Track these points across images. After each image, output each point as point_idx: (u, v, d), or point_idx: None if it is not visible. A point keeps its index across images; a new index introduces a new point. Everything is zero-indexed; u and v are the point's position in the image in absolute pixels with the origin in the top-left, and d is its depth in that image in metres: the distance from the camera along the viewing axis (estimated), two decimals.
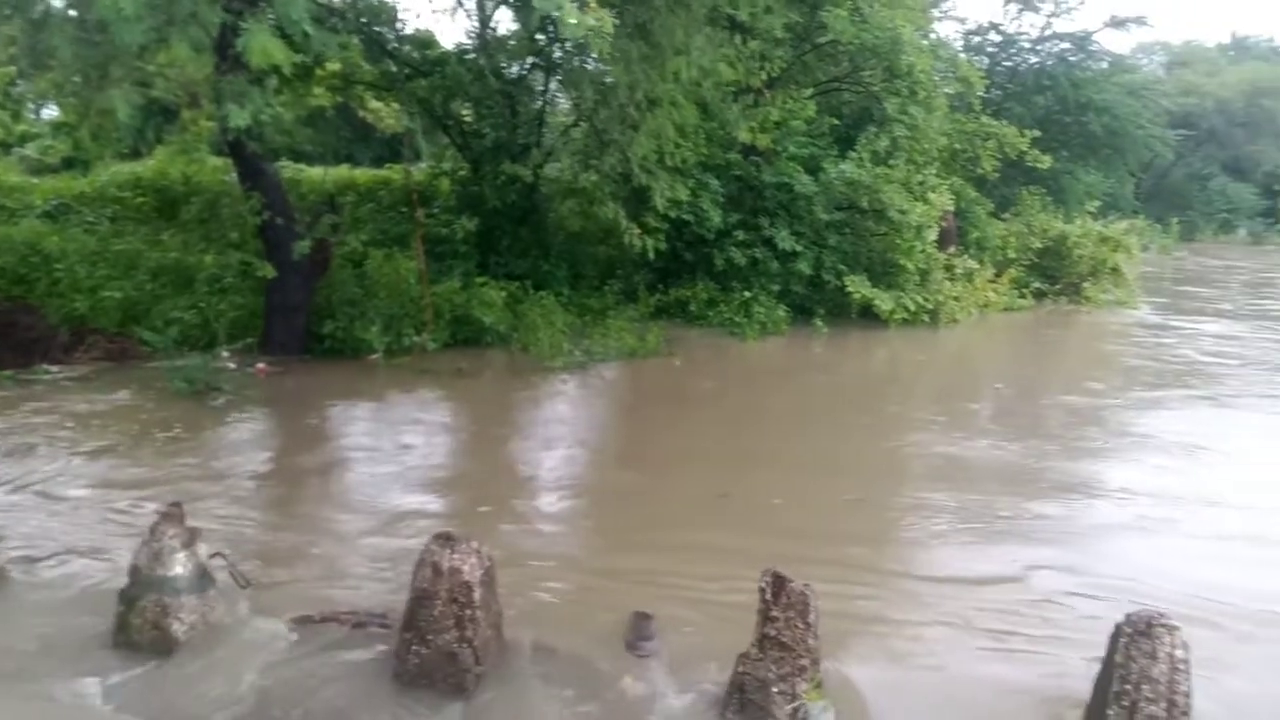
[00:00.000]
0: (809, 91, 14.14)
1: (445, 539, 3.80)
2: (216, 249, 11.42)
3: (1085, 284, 16.87)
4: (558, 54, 11.97)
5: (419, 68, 12.13)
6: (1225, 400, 9.48)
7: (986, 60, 20.65)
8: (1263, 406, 9.37)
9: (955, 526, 5.52)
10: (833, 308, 13.21)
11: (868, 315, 13.13)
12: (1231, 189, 45.86)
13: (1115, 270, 17.34)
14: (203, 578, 4.08)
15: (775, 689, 3.42)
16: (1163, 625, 3.12)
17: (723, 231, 12.84)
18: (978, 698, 3.69)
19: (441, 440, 7.45)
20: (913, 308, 13.24)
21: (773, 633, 3.51)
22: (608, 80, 8.90)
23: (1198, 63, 48.30)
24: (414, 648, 3.72)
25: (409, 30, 12.27)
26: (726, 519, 5.55)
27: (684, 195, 10.96)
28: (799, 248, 12.95)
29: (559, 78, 12.35)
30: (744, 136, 11.25)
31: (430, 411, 8.41)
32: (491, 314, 10.68)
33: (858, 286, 12.95)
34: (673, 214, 11.35)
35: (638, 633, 4.04)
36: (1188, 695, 3.08)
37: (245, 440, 7.08)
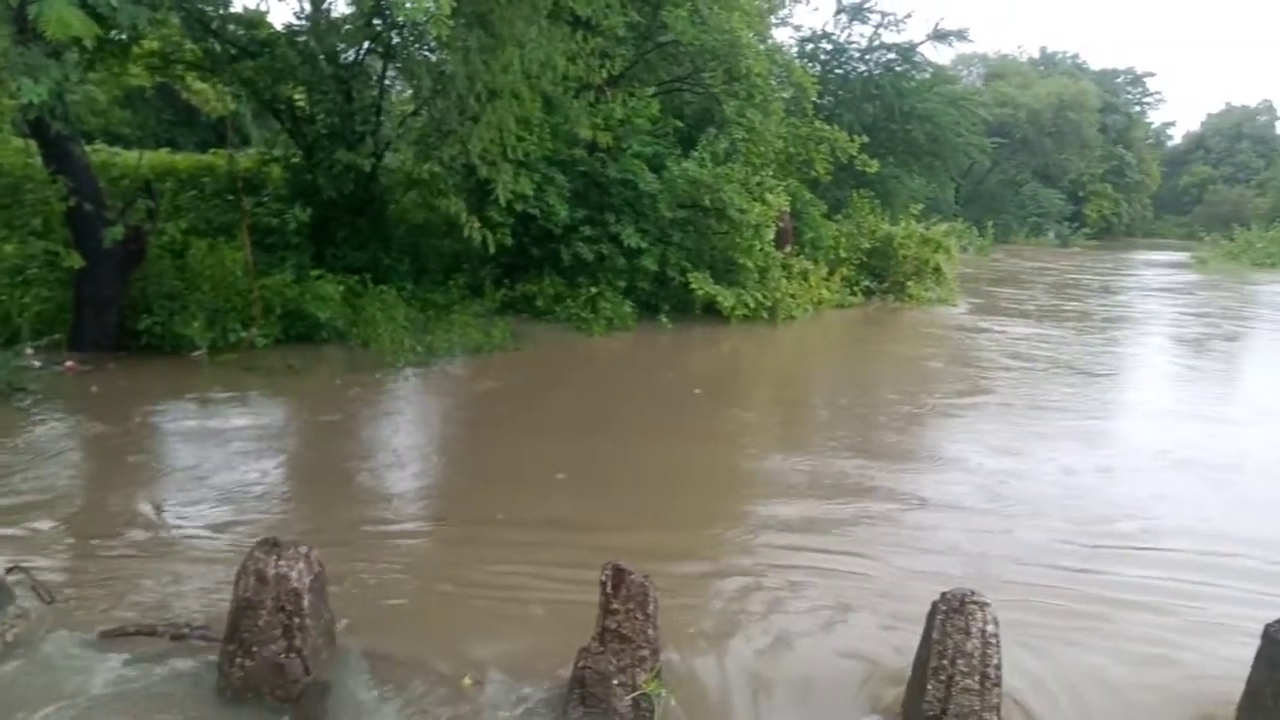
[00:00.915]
0: (652, 90, 14.33)
1: (270, 545, 3.62)
2: (19, 237, 10.48)
3: (910, 282, 17.84)
4: (396, 39, 11.63)
5: (246, 48, 11.52)
6: (1031, 402, 10.12)
7: (819, 67, 21.46)
8: (1052, 409, 10.04)
9: (788, 517, 5.69)
10: (677, 304, 13.44)
11: (710, 311, 13.45)
12: (1042, 194, 49.63)
13: (937, 270, 18.44)
14: (0, 593, 3.74)
15: (615, 681, 3.44)
16: (974, 602, 3.31)
17: (570, 227, 12.85)
18: (813, 676, 3.81)
19: (270, 442, 7.08)
20: (753, 304, 13.65)
21: (613, 625, 3.52)
22: (446, 69, 8.70)
23: (1011, 76, 51.96)
24: (238, 660, 3.53)
25: (237, 8, 11.64)
26: (568, 515, 5.53)
27: (528, 189, 10.89)
28: (645, 244, 13.11)
29: (397, 65, 12.00)
30: (585, 133, 11.29)
31: (258, 412, 7.98)
32: (327, 309, 10.27)
33: (701, 283, 13.23)
34: (518, 208, 11.25)
35: None
36: (998, 667, 3.28)
37: (52, 444, 6.52)
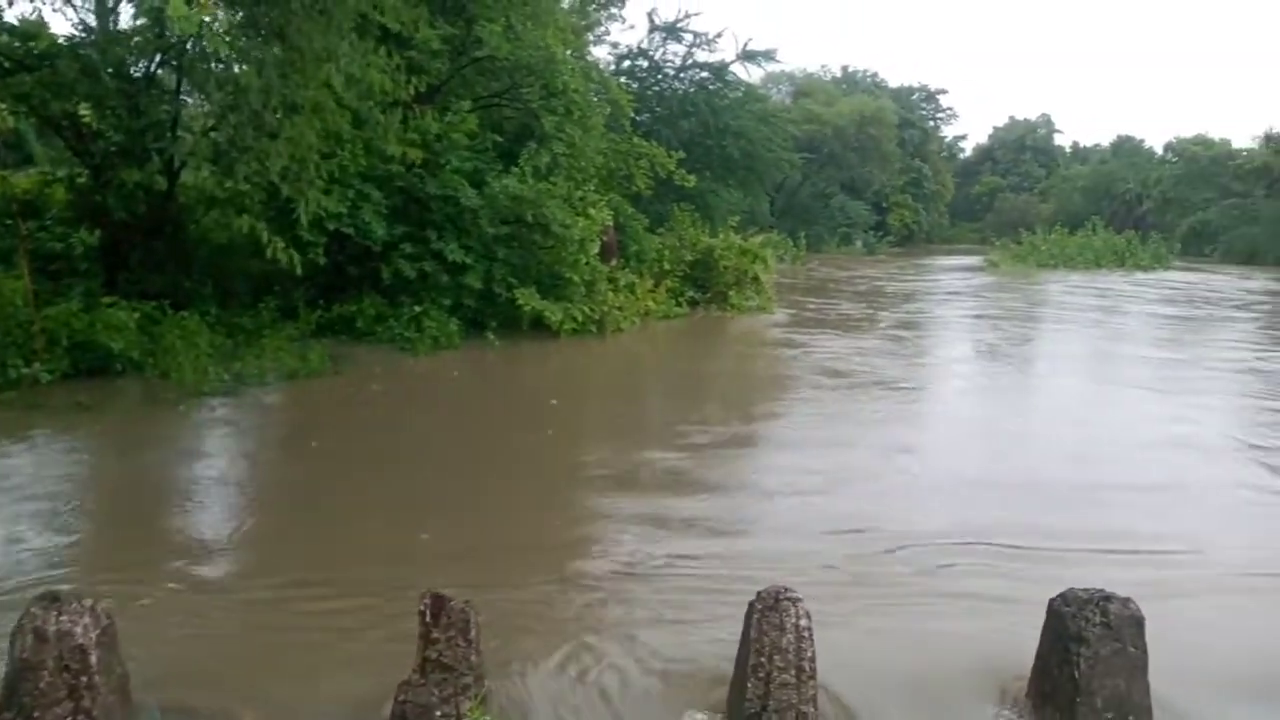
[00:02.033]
0: (469, 106, 14.17)
1: (50, 599, 3.30)
2: None
3: (731, 292, 18.40)
4: (190, 51, 10.98)
5: (22, 61, 10.59)
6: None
7: (637, 85, 21.87)
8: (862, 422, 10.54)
9: (612, 536, 5.69)
10: (505, 320, 13.31)
11: (539, 326, 13.39)
12: (849, 205, 52.38)
13: (756, 279, 19.11)
14: None
15: (438, 712, 3.33)
16: (788, 599, 3.42)
17: (389, 244, 12.50)
18: (641, 685, 3.83)
19: (56, 487, 6.48)
20: (580, 318, 13.69)
21: (434, 655, 3.42)
22: (240, 83, 8.26)
23: (817, 94, 54.61)
24: None
25: (11, 18, 10.69)
26: (390, 546, 5.34)
27: (336, 207, 10.50)
28: (469, 261, 12.92)
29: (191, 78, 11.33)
30: (394, 148, 11.03)
31: (43, 454, 7.29)
32: (121, 338, 9.51)
33: (528, 299, 13.16)
34: (330, 226, 10.85)
35: None
36: (813, 660, 3.39)
37: None
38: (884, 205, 57.35)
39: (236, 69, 9.03)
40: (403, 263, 12.52)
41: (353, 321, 12.37)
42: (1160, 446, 7.67)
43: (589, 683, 3.84)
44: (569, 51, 15.45)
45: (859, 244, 51.19)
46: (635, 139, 17.13)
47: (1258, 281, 31.02)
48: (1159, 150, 63.61)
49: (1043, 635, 3.64)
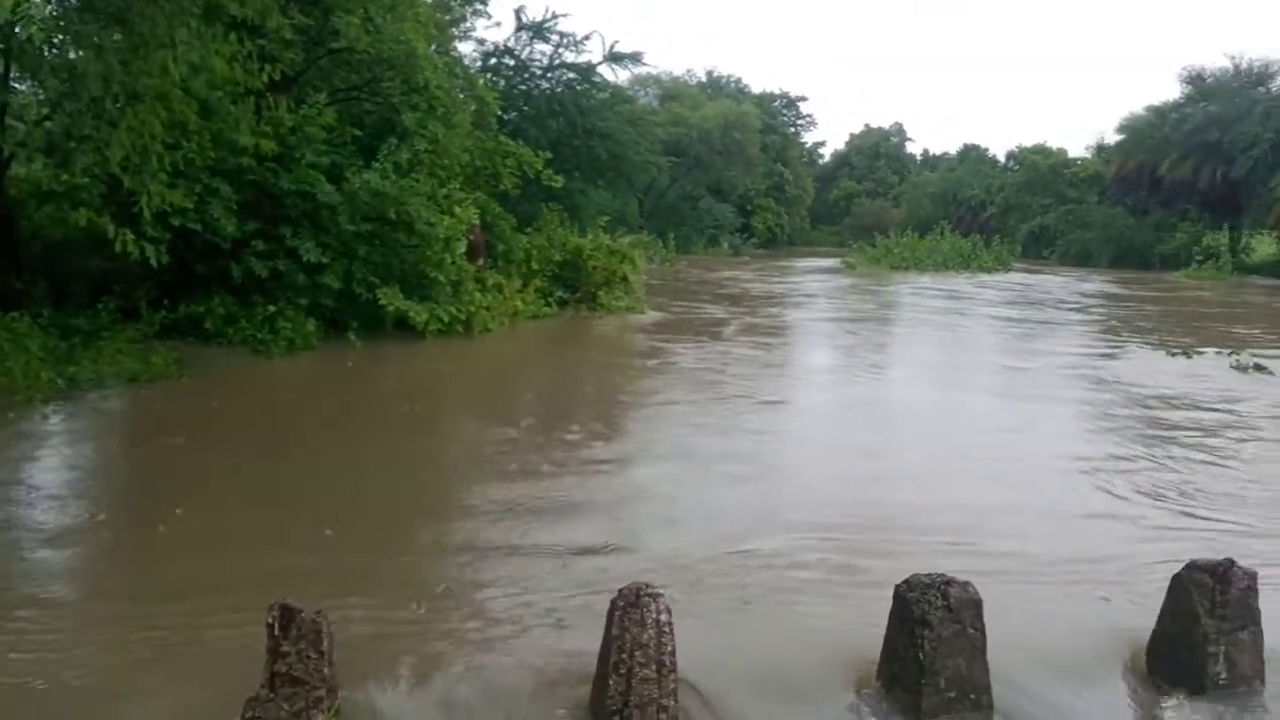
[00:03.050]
0: (326, 98, 13.71)
1: None
2: None
3: (601, 292, 18.48)
4: (19, 33, 10.20)
5: None
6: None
7: (503, 83, 21.68)
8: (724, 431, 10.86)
9: (473, 540, 5.60)
10: (367, 321, 12.93)
11: (403, 327, 13.08)
12: (716, 208, 53.42)
13: (625, 280, 19.25)
14: None
15: None
16: (649, 595, 3.46)
17: (240, 241, 11.94)
18: (505, 686, 3.79)
19: None
20: (446, 319, 13.45)
21: (284, 668, 3.29)
22: (77, 69, 7.72)
23: (683, 97, 55.43)
24: None
25: None
26: (236, 560, 5.10)
27: (182, 201, 9.95)
28: (326, 259, 12.49)
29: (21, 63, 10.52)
30: (246, 139, 10.55)
31: None
32: None
33: (391, 299, 12.83)
34: (176, 222, 10.28)
35: None
36: (673, 654, 3.44)
37: None
38: (749, 208, 58.79)
39: (73, 54, 8.45)
40: (255, 261, 11.99)
41: (201, 323, 11.77)
42: (1001, 456, 7.96)
43: (450, 690, 3.77)
44: (433, 46, 15.17)
45: (725, 245, 52.24)
46: (502, 138, 16.97)
47: (1093, 284, 33.29)
48: (1002, 159, 67.59)
49: (890, 620, 3.80)
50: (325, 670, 3.33)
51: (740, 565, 5.06)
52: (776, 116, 65.06)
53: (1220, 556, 4.06)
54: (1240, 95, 45.30)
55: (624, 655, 3.39)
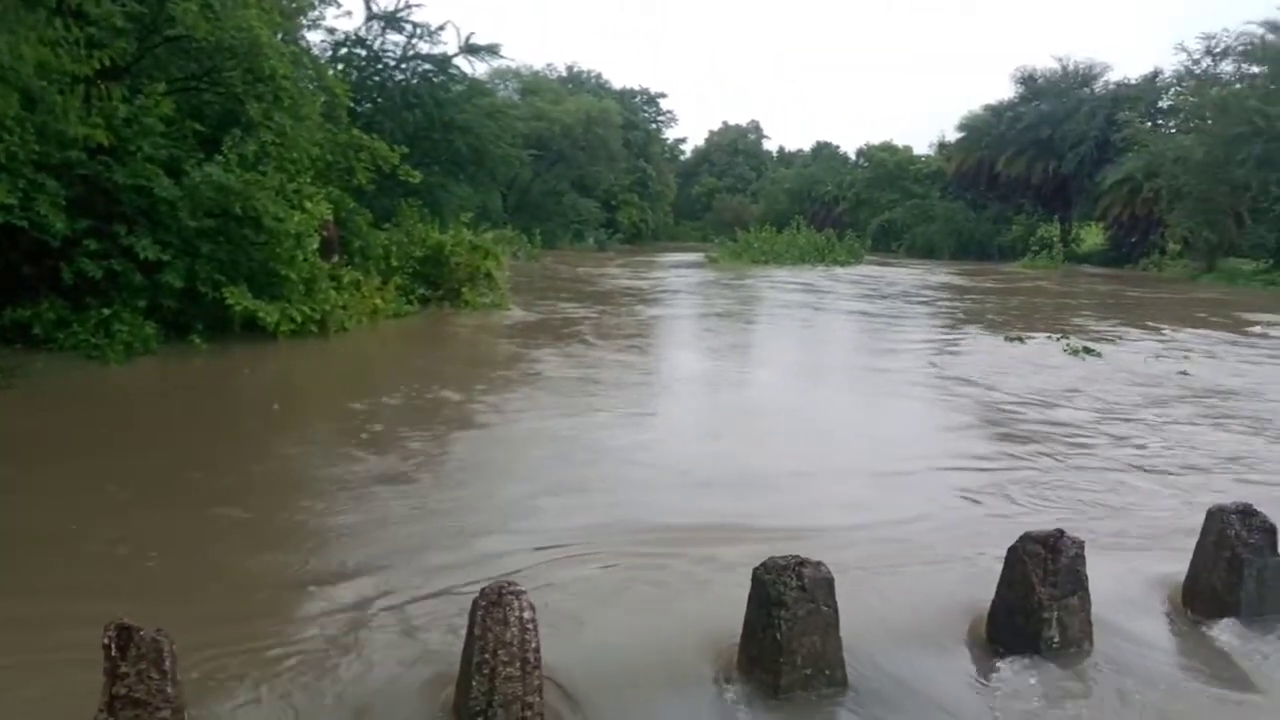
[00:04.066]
0: (164, 88, 12.94)
1: None
2: None
3: (464, 289, 18.19)
4: None
5: None
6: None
7: (355, 74, 21.01)
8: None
9: (317, 547, 5.43)
10: (213, 322, 12.29)
11: (253, 328, 12.50)
12: (580, 203, 53.42)
13: (489, 276, 19.02)
14: None
15: None
16: (511, 593, 3.43)
17: (70, 240, 11.13)
18: (364, 696, 3.69)
19: None
20: (299, 318, 12.92)
21: (123, 691, 3.11)
22: None
23: (544, 91, 55.19)
24: None
25: None
26: (77, 581, 4.78)
27: (5, 197, 9.23)
28: (166, 257, 11.79)
29: None
30: (74, 131, 9.85)
31: None
32: None
33: (238, 298, 12.23)
34: None
35: None
36: (537, 651, 3.43)
37: None
38: (613, 204, 59.06)
39: None
40: (87, 261, 11.20)
41: (29, 328, 10.93)
42: (856, 449, 8.16)
43: (306, 703, 3.64)
44: (279, 35, 14.53)
45: (591, 241, 52.35)
46: (355, 131, 16.42)
47: (938, 276, 35.02)
48: (852, 156, 70.31)
49: (749, 603, 3.90)
50: (169, 690, 3.16)
51: (604, 561, 5.07)
52: (637, 113, 65.53)
53: (1052, 526, 4.36)
54: (1068, 95, 48.64)
55: (487, 655, 3.35)
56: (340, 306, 13.94)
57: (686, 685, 3.82)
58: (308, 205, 13.33)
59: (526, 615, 3.43)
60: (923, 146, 63.93)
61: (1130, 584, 4.90)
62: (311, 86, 15.25)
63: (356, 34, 21.61)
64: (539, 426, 8.55)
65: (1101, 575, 4.45)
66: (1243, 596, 4.58)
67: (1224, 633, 4.47)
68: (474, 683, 3.36)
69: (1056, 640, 4.18)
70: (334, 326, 13.61)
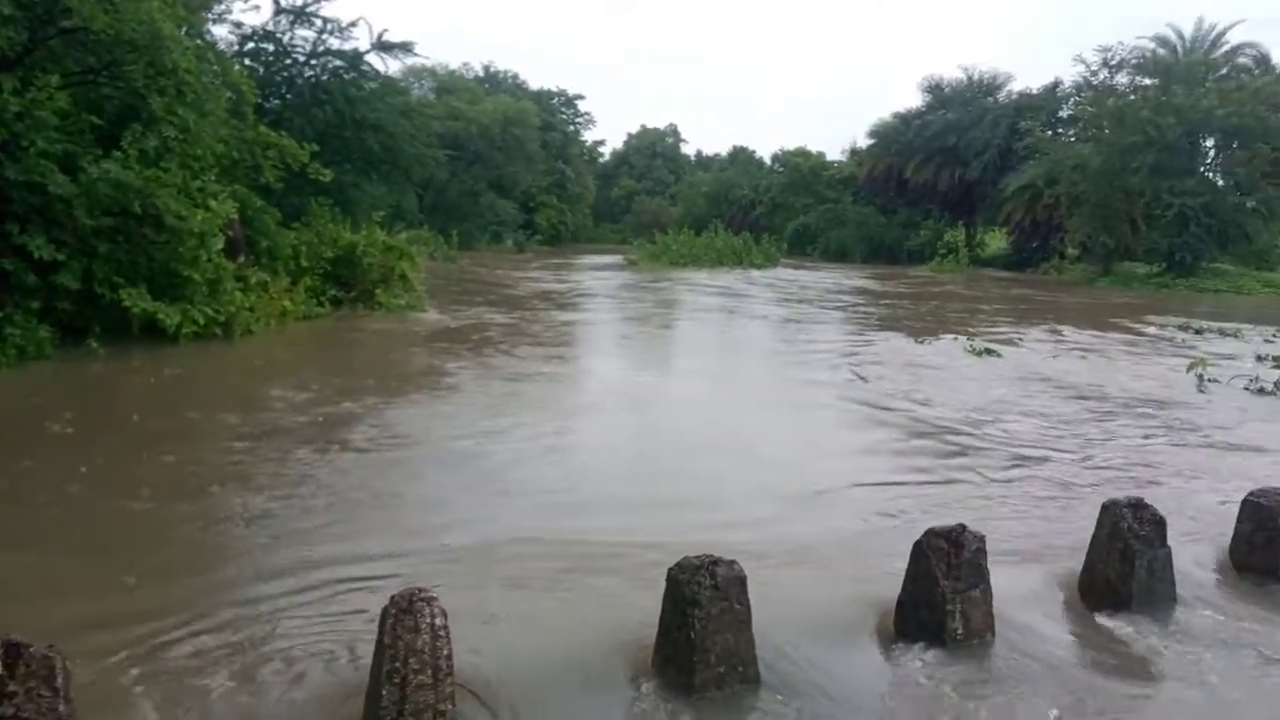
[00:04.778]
0: (59, 81, 12.38)
1: None
2: None
3: (378, 290, 17.86)
4: None
5: None
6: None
7: (263, 69, 20.44)
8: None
9: (213, 558, 5.26)
10: (111, 325, 11.79)
11: (154, 331, 12.04)
12: (498, 204, 53.00)
13: (404, 277, 18.70)
14: None
15: None
16: (423, 599, 3.39)
17: None
18: (259, 711, 3.59)
19: None
20: (203, 321, 12.50)
21: (10, 711, 2.97)
22: None
23: (460, 91, 54.62)
24: None
25: None
26: None
27: None
28: (61, 257, 11.27)
29: None
30: None
31: None
32: None
33: (137, 300, 11.76)
34: None
35: None
36: (449, 658, 3.39)
37: None
38: (532, 205, 58.78)
39: None
40: None
41: None
42: (770, 454, 8.11)
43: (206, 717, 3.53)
44: (183, 29, 14.05)
45: (510, 242, 51.98)
46: (263, 128, 15.97)
47: (852, 279, 35.76)
48: (768, 160, 71.37)
49: (664, 603, 3.92)
50: (61, 709, 3.03)
51: (519, 566, 5.02)
52: (555, 114, 65.35)
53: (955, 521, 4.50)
54: (973, 104, 50.27)
55: (397, 663, 3.30)
56: (246, 308, 13.54)
57: (601, 687, 3.83)
58: (212, 203, 12.91)
59: (438, 622, 3.38)
60: (835, 152, 65.44)
61: (1030, 578, 5.09)
62: (217, 82, 14.78)
63: (264, 29, 21.04)
64: (445, 442, 8.05)
65: (1002, 569, 4.62)
66: (1135, 587, 4.79)
67: (1116, 622, 4.66)
68: (384, 692, 3.31)
69: (960, 632, 4.31)
70: (239, 329, 13.21)
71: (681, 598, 3.80)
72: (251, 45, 20.92)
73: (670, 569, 3.90)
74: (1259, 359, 14.47)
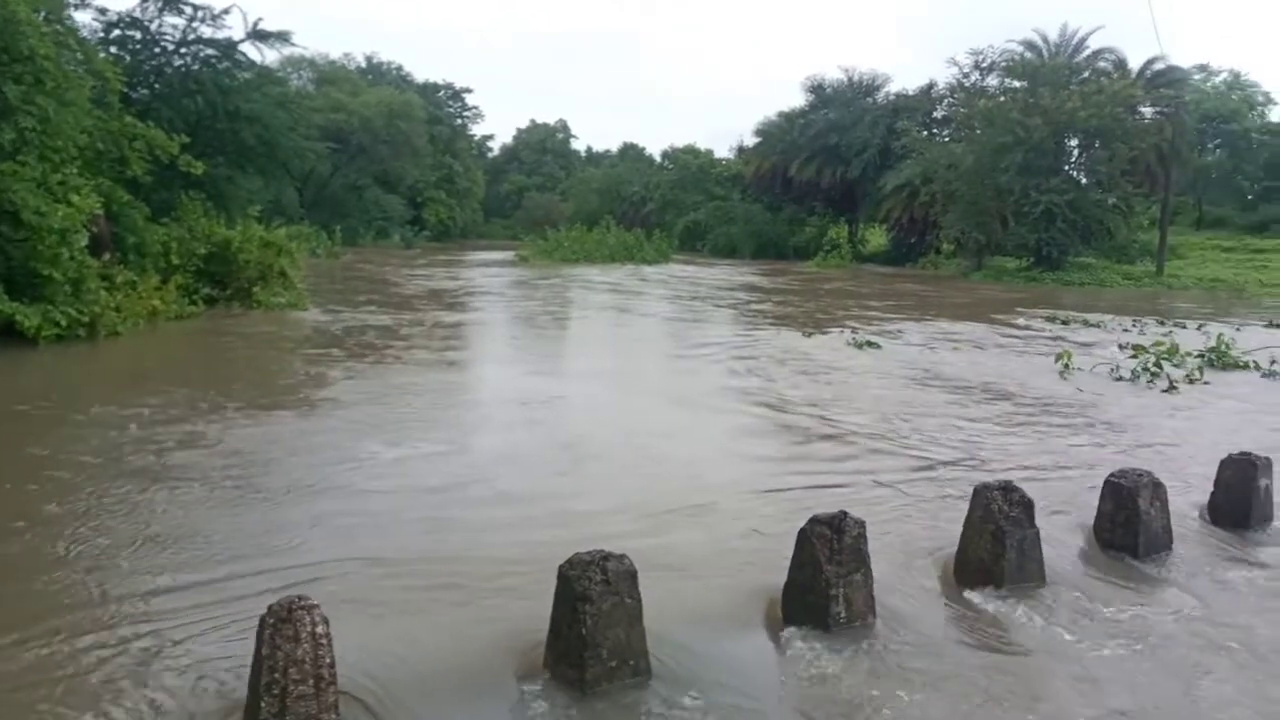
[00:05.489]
0: None
1: None
2: None
3: (256, 288, 17.23)
4: None
5: None
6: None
7: (129, 57, 19.43)
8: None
9: (74, 578, 4.95)
10: None
11: (12, 333, 11.32)
12: (383, 199, 51.91)
13: (283, 274, 18.09)
14: None
15: None
16: (302, 608, 3.27)
17: None
18: None
19: None
20: (65, 322, 11.83)
21: None
22: None
23: (342, 82, 53.19)
24: None
25: None
26: None
27: None
28: None
29: None
30: None
31: None
32: None
33: None
34: None
35: None
36: (332, 666, 3.29)
37: None
38: (419, 200, 57.77)
39: None
40: None
41: None
42: (660, 449, 8.10)
43: None
44: (41, 13, 13.22)
45: (396, 238, 50.95)
46: (129, 118, 15.20)
47: (741, 275, 36.35)
48: (658, 157, 71.98)
49: (555, 600, 3.90)
50: None
51: (401, 584, 4.87)
52: (442, 107, 64.33)
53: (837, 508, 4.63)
54: (853, 104, 51.82)
55: (277, 674, 3.19)
56: (112, 309, 12.88)
57: (491, 688, 3.78)
58: (74, 198, 12.24)
59: (319, 630, 3.28)
60: (724, 150, 66.44)
61: (908, 561, 5.27)
62: (79, 69, 14.00)
63: (131, 15, 20.01)
64: (318, 456, 7.33)
65: (882, 554, 4.77)
66: (1006, 567, 5.02)
67: (989, 601, 4.88)
68: (263, 704, 3.19)
69: (843, 615, 4.43)
70: (104, 331, 12.55)
71: (572, 594, 3.79)
72: (117, 32, 19.87)
73: (561, 565, 3.89)
74: (1120, 347, 15.35)
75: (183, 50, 20.35)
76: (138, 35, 20.14)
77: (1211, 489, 6.46)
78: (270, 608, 3.27)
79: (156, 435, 7.73)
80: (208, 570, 4.83)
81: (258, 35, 21.41)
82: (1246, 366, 13.39)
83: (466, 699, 3.72)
